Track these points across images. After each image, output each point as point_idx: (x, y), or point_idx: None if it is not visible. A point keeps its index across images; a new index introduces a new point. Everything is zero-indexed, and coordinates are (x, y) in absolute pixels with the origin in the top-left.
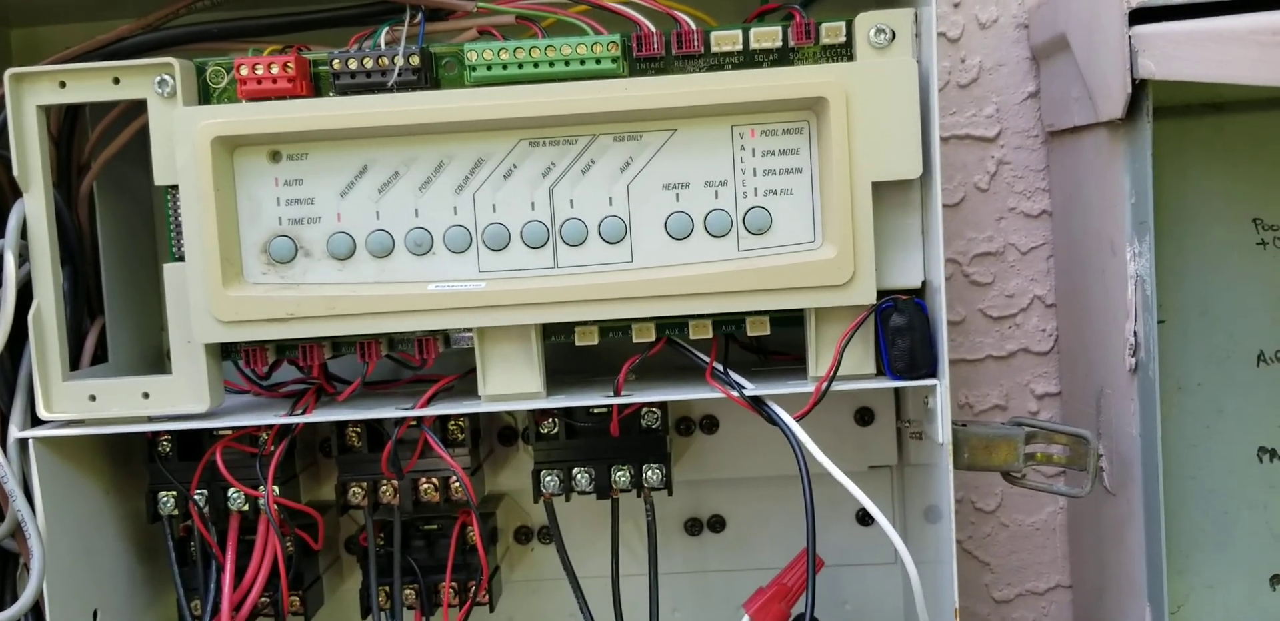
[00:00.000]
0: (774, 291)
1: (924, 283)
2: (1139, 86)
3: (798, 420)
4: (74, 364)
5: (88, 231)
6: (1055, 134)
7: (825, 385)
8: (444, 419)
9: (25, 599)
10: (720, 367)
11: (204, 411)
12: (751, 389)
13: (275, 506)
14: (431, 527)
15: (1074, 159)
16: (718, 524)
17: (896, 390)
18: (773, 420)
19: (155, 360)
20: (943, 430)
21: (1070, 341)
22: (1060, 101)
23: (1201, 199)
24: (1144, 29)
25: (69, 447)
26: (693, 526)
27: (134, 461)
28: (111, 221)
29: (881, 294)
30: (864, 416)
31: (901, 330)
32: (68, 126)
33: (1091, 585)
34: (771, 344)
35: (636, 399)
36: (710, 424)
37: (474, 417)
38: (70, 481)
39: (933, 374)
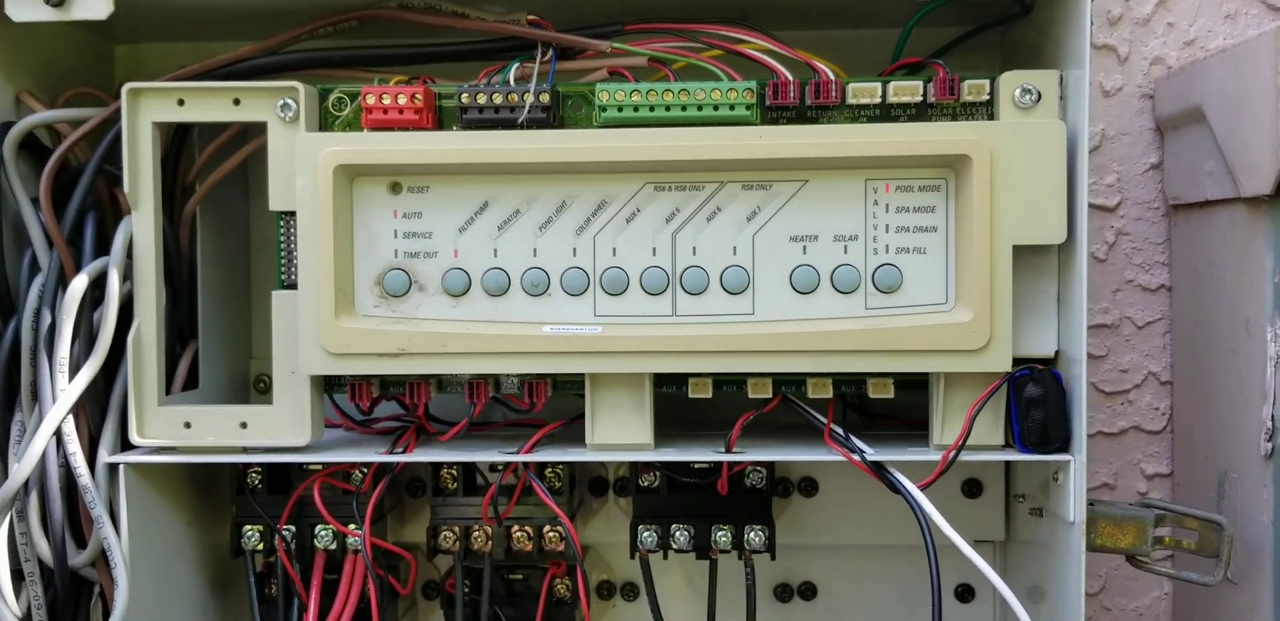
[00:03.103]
0: (902, 353)
1: (1057, 352)
2: None
3: (922, 489)
4: (166, 388)
5: (186, 254)
6: (1180, 207)
7: (953, 454)
8: (541, 465)
9: None
10: (839, 430)
11: (304, 444)
12: (873, 454)
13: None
14: (518, 577)
15: (1203, 234)
16: (809, 591)
17: (1008, 462)
18: (895, 487)
19: (242, 387)
20: (1076, 509)
21: (1189, 421)
22: (1189, 174)
23: None
24: None
25: (156, 474)
26: (783, 592)
27: (217, 491)
28: (211, 245)
29: (1012, 362)
30: (972, 488)
31: (1036, 401)
32: (174, 146)
33: None
34: (877, 406)
35: (749, 457)
36: (809, 486)
37: (570, 466)
38: (155, 510)
39: (1065, 449)
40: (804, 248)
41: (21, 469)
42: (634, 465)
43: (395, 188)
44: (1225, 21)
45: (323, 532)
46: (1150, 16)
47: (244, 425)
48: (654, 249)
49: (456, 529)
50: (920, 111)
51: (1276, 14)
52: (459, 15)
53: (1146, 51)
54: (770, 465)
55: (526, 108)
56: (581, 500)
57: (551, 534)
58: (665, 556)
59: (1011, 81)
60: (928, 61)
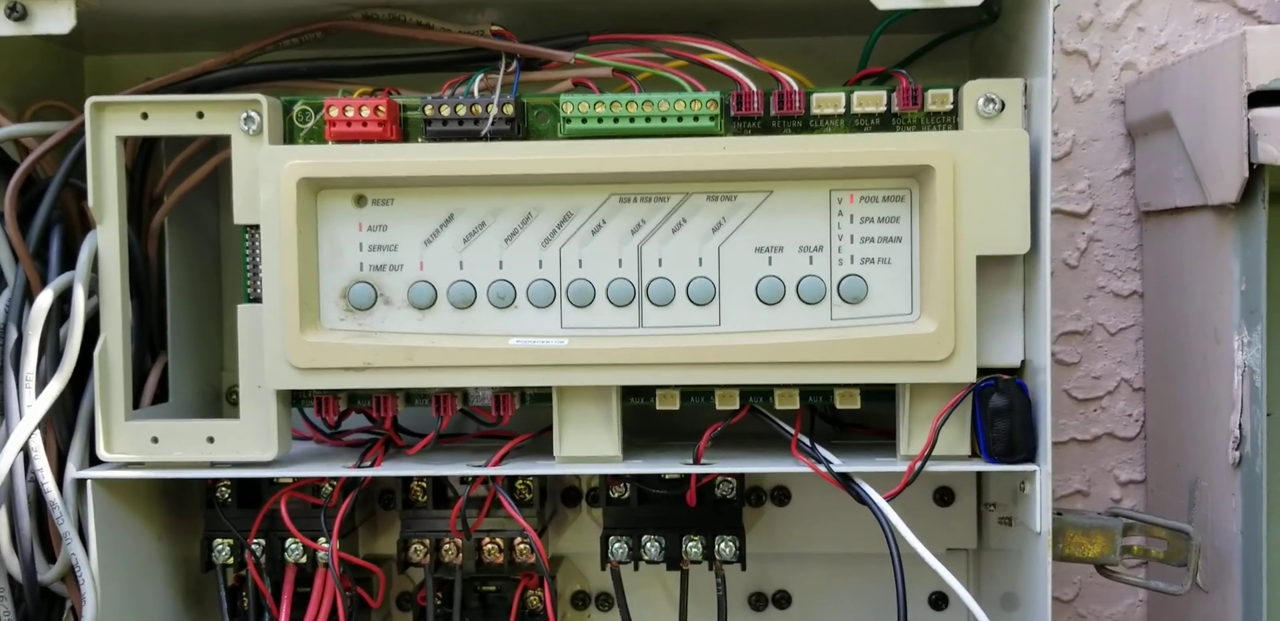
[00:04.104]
0: (868, 364)
1: (1023, 362)
2: (1256, 171)
3: (888, 500)
4: (135, 402)
5: (155, 266)
6: (1151, 213)
7: (919, 465)
8: (512, 477)
9: None
10: (806, 441)
11: (271, 459)
12: (840, 465)
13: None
14: (491, 589)
15: (1173, 240)
16: (783, 600)
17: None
18: (861, 499)
19: (214, 400)
20: (1042, 519)
21: (1160, 428)
22: (1159, 181)
23: None
24: (1266, 112)
25: (125, 489)
26: (757, 601)
27: (188, 506)
28: (180, 257)
29: (978, 372)
30: (944, 496)
31: (1001, 411)
32: (142, 159)
33: None
34: (848, 415)
35: (717, 469)
36: (782, 495)
37: (541, 477)
38: (124, 525)
39: (1031, 459)
40: (769, 258)
41: None
42: (604, 477)
43: (360, 200)
44: (1196, 26)
45: (293, 546)
46: (1121, 21)
47: (211, 439)
48: (620, 260)
49: (427, 541)
50: (884, 121)
51: (1247, 18)
52: (423, 26)
53: (1117, 56)
54: (740, 476)
55: (490, 119)
56: (554, 511)
57: (522, 546)
58: (636, 567)
59: (975, 91)
60: (892, 71)
